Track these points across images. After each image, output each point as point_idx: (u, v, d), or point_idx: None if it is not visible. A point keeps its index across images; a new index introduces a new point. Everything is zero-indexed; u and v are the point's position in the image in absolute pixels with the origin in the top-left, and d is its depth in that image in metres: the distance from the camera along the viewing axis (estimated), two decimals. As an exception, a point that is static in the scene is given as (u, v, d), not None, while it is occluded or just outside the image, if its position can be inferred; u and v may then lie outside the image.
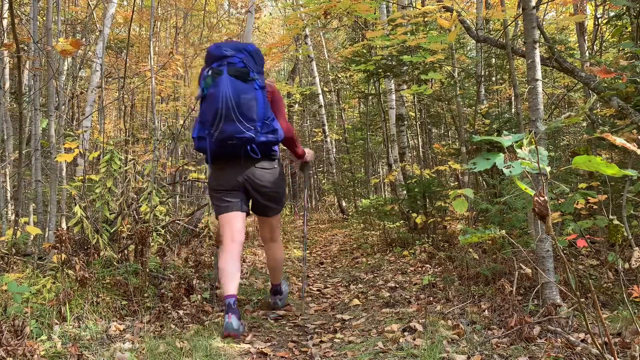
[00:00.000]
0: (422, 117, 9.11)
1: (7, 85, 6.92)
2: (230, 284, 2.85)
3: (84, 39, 8.44)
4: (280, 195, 3.13)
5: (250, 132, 2.80)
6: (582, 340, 2.29)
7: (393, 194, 7.66)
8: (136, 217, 3.89)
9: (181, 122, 9.04)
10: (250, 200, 3.07)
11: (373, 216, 6.69)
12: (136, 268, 3.46)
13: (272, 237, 3.26)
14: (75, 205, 3.45)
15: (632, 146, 1.40)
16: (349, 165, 11.84)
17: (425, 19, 4.71)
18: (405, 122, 7.07)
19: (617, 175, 1.40)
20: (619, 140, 1.40)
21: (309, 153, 3.41)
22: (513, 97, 6.65)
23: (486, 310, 2.89)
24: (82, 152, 4.74)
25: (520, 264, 2.87)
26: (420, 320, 2.81)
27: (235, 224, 2.97)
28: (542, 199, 1.52)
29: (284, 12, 13.47)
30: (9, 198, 4.73)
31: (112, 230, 3.81)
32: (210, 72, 2.85)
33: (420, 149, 8.31)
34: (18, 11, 7.52)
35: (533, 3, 2.87)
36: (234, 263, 2.91)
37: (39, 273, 3.22)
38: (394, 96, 7.35)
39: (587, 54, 5.56)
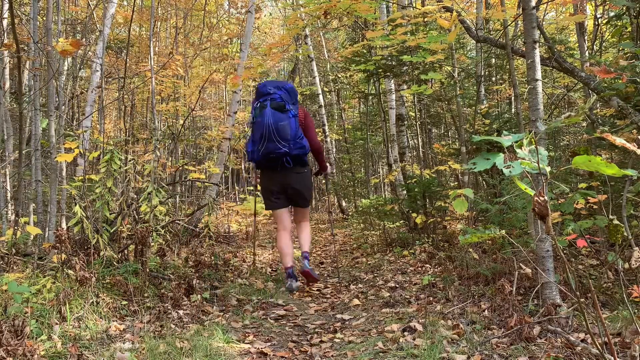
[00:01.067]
0: (422, 117, 9.11)
1: (7, 85, 6.91)
2: (288, 259, 4.01)
3: (84, 39, 8.44)
4: (309, 192, 4.23)
5: (285, 149, 3.84)
6: (582, 340, 2.29)
7: (393, 194, 7.65)
8: (136, 217, 3.89)
9: (181, 122, 9.04)
10: (289, 195, 4.11)
11: (373, 216, 6.68)
12: (136, 268, 3.46)
13: (303, 220, 4.34)
14: (75, 205, 3.45)
15: (631, 146, 1.40)
16: (349, 165, 11.84)
17: (425, 19, 4.71)
18: (405, 122, 7.07)
19: (617, 175, 1.40)
20: (619, 140, 1.40)
21: (329, 167, 4.56)
22: (513, 97, 6.65)
23: (486, 310, 2.89)
24: (82, 152, 4.73)
25: (520, 264, 2.87)
26: (420, 320, 2.81)
27: (283, 217, 4.18)
28: (542, 199, 1.52)
29: (284, 12, 13.47)
30: (9, 198, 4.73)
31: (112, 230, 3.81)
32: (258, 105, 3.92)
33: (420, 149, 8.31)
34: (18, 11, 7.52)
35: (533, 3, 2.87)
36: (288, 243, 4.09)
37: (39, 273, 3.22)
38: (394, 96, 7.35)
39: (587, 54, 5.56)
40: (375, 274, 4.42)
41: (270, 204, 4.16)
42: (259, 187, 4.34)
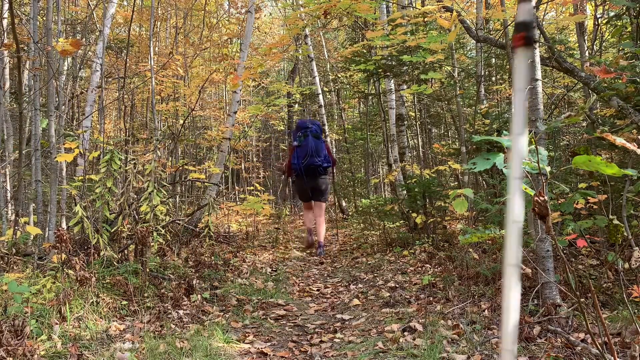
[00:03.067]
0: (422, 117, 9.11)
1: (7, 85, 6.91)
2: (310, 224, 6.12)
3: (84, 39, 8.44)
4: (327, 190, 6.07)
5: (319, 162, 5.76)
6: (582, 340, 2.29)
7: (393, 194, 7.65)
8: (136, 217, 3.89)
9: (181, 122, 9.05)
10: (314, 192, 5.92)
11: (373, 216, 6.68)
12: (136, 268, 3.46)
13: (320, 214, 6.01)
14: (75, 205, 3.45)
15: (631, 146, 1.40)
16: (349, 165, 11.84)
17: (425, 19, 4.71)
18: (405, 122, 7.06)
19: (617, 175, 1.40)
20: (619, 140, 1.40)
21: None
22: (513, 97, 6.64)
23: (486, 310, 2.89)
24: (82, 152, 4.73)
25: (521, 264, 2.87)
26: (420, 320, 2.81)
27: (309, 206, 6.14)
28: (542, 199, 1.52)
29: (284, 12, 13.47)
30: (9, 198, 4.73)
31: (112, 230, 3.81)
32: (301, 134, 5.82)
33: (420, 149, 8.31)
34: (18, 11, 7.52)
35: (533, 3, 2.87)
36: (310, 217, 6.14)
37: (39, 273, 3.22)
38: (394, 96, 7.34)
39: (587, 54, 5.56)
40: (375, 274, 4.42)
41: (303, 197, 6.17)
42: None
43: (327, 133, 10.63)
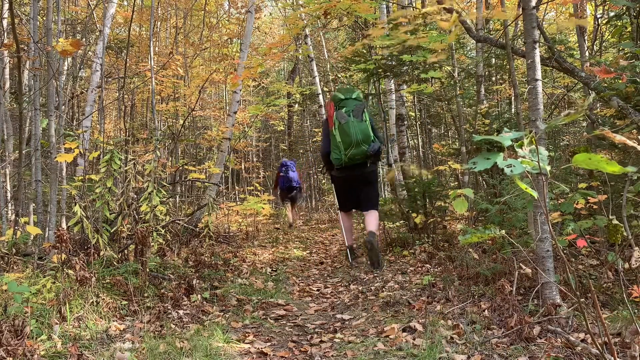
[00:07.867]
0: (422, 117, 9.11)
1: (7, 85, 6.92)
2: (291, 217, 9.68)
3: (84, 39, 8.44)
4: (299, 197, 9.93)
5: (295, 184, 9.35)
6: (582, 340, 2.29)
7: (393, 194, 7.64)
8: (136, 217, 3.89)
9: (181, 122, 9.04)
10: (291, 199, 9.43)
11: (373, 216, 6.66)
12: (136, 268, 3.45)
13: (294, 206, 9.61)
14: (75, 205, 3.45)
15: (632, 142, 1.39)
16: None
17: (426, 20, 4.71)
18: (405, 122, 7.06)
19: (618, 173, 1.39)
20: (618, 137, 1.39)
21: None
22: (513, 97, 6.65)
23: (486, 310, 2.89)
24: (82, 152, 4.73)
25: (520, 264, 2.87)
26: (420, 320, 2.81)
27: (289, 205, 9.49)
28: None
29: (284, 12, 13.47)
30: (9, 198, 4.73)
31: (112, 230, 3.81)
32: (284, 169, 9.40)
33: (420, 149, 8.31)
34: (18, 11, 7.52)
35: (533, 3, 2.87)
36: (290, 214, 9.64)
37: (39, 273, 3.22)
38: (394, 96, 7.34)
39: (587, 54, 5.56)
40: (375, 274, 4.42)
41: (285, 199, 9.43)
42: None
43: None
